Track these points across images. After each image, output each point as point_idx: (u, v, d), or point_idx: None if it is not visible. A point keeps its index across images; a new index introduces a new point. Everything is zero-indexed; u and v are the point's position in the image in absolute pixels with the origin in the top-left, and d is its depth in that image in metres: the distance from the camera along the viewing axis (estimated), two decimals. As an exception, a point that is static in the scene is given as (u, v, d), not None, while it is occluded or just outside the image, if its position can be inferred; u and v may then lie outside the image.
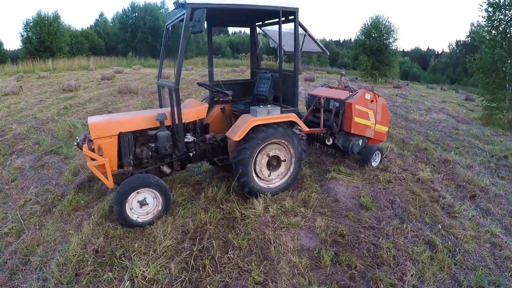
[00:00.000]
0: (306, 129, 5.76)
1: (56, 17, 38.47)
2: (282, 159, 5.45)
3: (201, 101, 6.12)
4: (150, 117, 4.75)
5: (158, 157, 4.98)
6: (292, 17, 5.28)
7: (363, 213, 5.12)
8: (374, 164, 7.06)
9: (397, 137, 9.74)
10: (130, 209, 4.36)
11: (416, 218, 5.05)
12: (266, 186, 5.37)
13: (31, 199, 5.37)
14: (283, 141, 5.28)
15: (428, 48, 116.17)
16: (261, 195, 5.22)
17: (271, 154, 5.26)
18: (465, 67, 18.19)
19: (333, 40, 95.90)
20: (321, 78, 30.95)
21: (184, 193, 5.54)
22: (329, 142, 7.03)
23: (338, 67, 61.02)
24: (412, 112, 14.53)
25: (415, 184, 6.32)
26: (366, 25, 33.71)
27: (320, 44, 6.55)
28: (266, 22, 6.33)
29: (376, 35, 32.79)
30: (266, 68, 6.99)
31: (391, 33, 32.48)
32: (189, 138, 4.99)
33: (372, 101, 6.81)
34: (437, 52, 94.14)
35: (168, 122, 4.79)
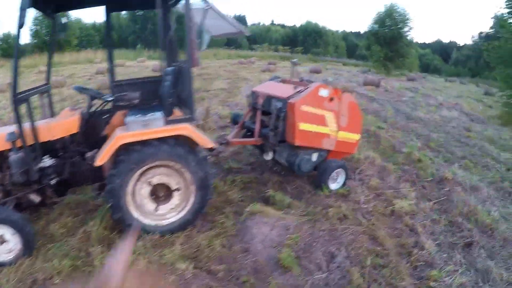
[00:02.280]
0: (209, 144, 3.85)
1: (64, 11, 37.42)
2: (173, 188, 3.87)
3: (74, 109, 4.39)
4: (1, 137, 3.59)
5: (22, 184, 3.78)
6: None
7: (274, 278, 3.21)
8: (333, 186, 5.04)
9: (386, 143, 7.59)
10: None
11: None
12: (155, 224, 3.84)
13: None
14: (172, 164, 3.75)
15: (450, 41, 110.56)
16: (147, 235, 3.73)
17: (154, 181, 3.78)
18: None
19: (352, 31, 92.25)
20: (332, 69, 28.64)
21: (68, 224, 4.06)
22: (268, 157, 5.05)
23: (356, 59, 57.99)
24: (419, 109, 12.23)
25: (384, 222, 4.27)
26: (380, 13, 30.94)
27: (233, 21, 4.53)
28: None
29: (390, 23, 30.02)
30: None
31: (406, 21, 29.66)
32: (46, 162, 3.73)
33: (331, 99, 4.76)
34: (459, 44, 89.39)
35: (30, 141, 3.59)
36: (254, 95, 5.43)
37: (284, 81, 5.80)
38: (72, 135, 3.99)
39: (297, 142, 4.71)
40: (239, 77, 19.49)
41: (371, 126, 8.91)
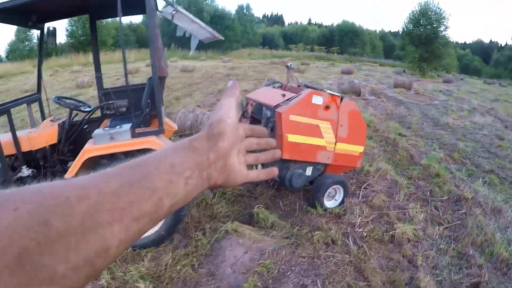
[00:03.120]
0: None
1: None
2: None
3: (54, 120, 4.21)
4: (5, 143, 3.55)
5: None
6: None
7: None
8: (329, 204, 4.49)
9: (404, 153, 6.89)
10: None
11: None
12: None
13: None
14: None
15: (490, 41, 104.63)
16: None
17: None
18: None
19: (391, 31, 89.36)
20: (366, 70, 27.51)
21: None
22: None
23: (394, 59, 55.98)
24: (449, 114, 11.28)
25: (378, 250, 3.68)
26: (415, 12, 29.40)
27: (204, 25, 4.05)
28: None
29: (425, 23, 28.47)
30: None
31: (442, 20, 28.01)
32: (24, 172, 3.69)
33: (327, 107, 4.21)
34: (501, 44, 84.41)
35: (10, 151, 3.60)
36: (245, 102, 4.96)
37: (282, 87, 5.28)
38: (52, 146, 3.94)
39: (286, 156, 4.20)
40: (266, 78, 19.06)
41: (391, 133, 8.22)
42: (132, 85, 4.75)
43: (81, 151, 3.39)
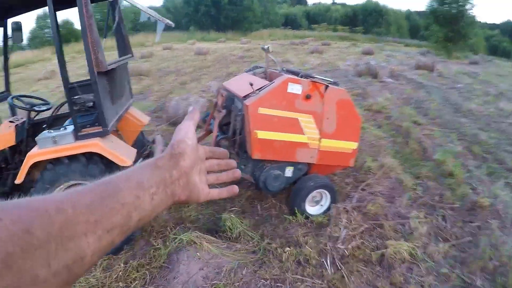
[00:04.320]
0: (125, 162, 3.13)
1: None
2: None
3: (12, 121, 3.96)
4: None
5: None
6: None
7: None
8: (313, 210, 3.80)
9: (416, 145, 6.02)
10: None
11: None
12: None
13: None
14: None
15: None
16: None
17: None
18: None
19: (418, 10, 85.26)
20: (388, 50, 25.93)
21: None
22: None
23: (419, 39, 53.33)
24: (472, 99, 10.17)
25: (360, 275, 2.95)
26: (439, -11, 27.33)
27: (152, 12, 3.42)
28: None
29: (450, 0, 26.49)
30: None
31: (468, -3, 26.00)
32: None
33: (307, 97, 3.44)
34: (532, 25, 79.14)
35: None
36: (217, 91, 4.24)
37: (265, 73, 4.50)
38: (12, 147, 3.81)
39: (257, 155, 3.48)
40: (282, 59, 18.15)
41: (405, 121, 7.31)
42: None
43: (26, 156, 3.20)
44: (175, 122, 7.44)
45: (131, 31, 38.48)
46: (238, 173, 0.77)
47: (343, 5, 79.13)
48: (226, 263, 3.04)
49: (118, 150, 3.21)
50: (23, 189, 3.72)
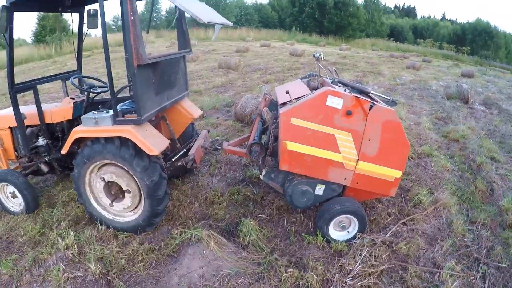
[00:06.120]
0: (152, 151, 3.27)
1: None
2: (124, 189, 3.63)
3: (72, 98, 4.44)
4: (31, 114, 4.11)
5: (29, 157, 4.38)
6: None
7: None
8: (336, 235, 3.52)
9: (483, 185, 5.24)
10: (7, 197, 4.29)
11: None
12: (112, 218, 3.85)
13: None
14: (120, 165, 3.51)
15: None
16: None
17: (106, 178, 3.63)
18: None
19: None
20: (491, 76, 23.23)
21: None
22: (261, 175, 3.70)
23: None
24: None
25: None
26: None
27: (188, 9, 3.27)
28: None
29: None
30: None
31: None
32: (40, 141, 4.19)
33: (348, 113, 3.13)
34: None
35: (34, 122, 4.12)
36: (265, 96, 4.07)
37: (321, 81, 4.21)
38: (70, 121, 4.26)
39: (284, 167, 3.29)
40: (373, 71, 17.32)
41: (481, 155, 6.42)
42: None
43: (72, 130, 3.51)
44: (241, 119, 7.42)
45: (234, 25, 39.70)
46: None
47: (452, 21, 73.16)
48: (226, 268, 2.98)
49: (149, 139, 3.30)
50: (69, 159, 4.13)
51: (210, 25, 3.51)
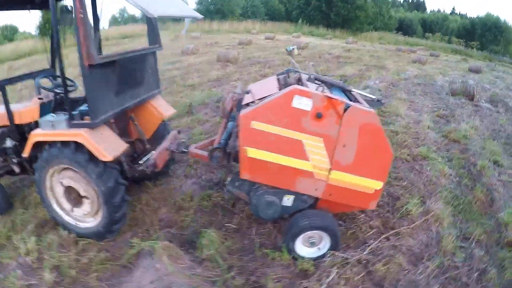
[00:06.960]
0: (104, 157, 3.09)
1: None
2: (82, 195, 3.48)
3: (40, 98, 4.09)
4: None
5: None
6: None
7: None
8: (305, 252, 3.13)
9: (482, 194, 4.76)
10: None
11: None
12: (75, 224, 3.66)
13: None
14: (77, 170, 3.34)
15: None
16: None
17: (65, 183, 3.49)
18: None
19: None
20: (500, 72, 22.40)
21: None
22: (226, 182, 3.32)
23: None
24: None
25: None
26: None
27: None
28: None
29: None
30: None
31: None
32: (8, 143, 3.93)
33: (319, 115, 2.70)
34: None
35: (4, 122, 3.86)
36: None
37: (297, 78, 3.76)
38: (37, 122, 3.94)
39: (245, 175, 2.88)
40: (377, 65, 16.69)
41: (483, 158, 5.91)
42: None
43: (30, 133, 3.37)
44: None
45: (241, 17, 39.13)
46: None
47: (462, 16, 71.50)
48: (177, 285, 2.56)
49: (103, 143, 3.12)
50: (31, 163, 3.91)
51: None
